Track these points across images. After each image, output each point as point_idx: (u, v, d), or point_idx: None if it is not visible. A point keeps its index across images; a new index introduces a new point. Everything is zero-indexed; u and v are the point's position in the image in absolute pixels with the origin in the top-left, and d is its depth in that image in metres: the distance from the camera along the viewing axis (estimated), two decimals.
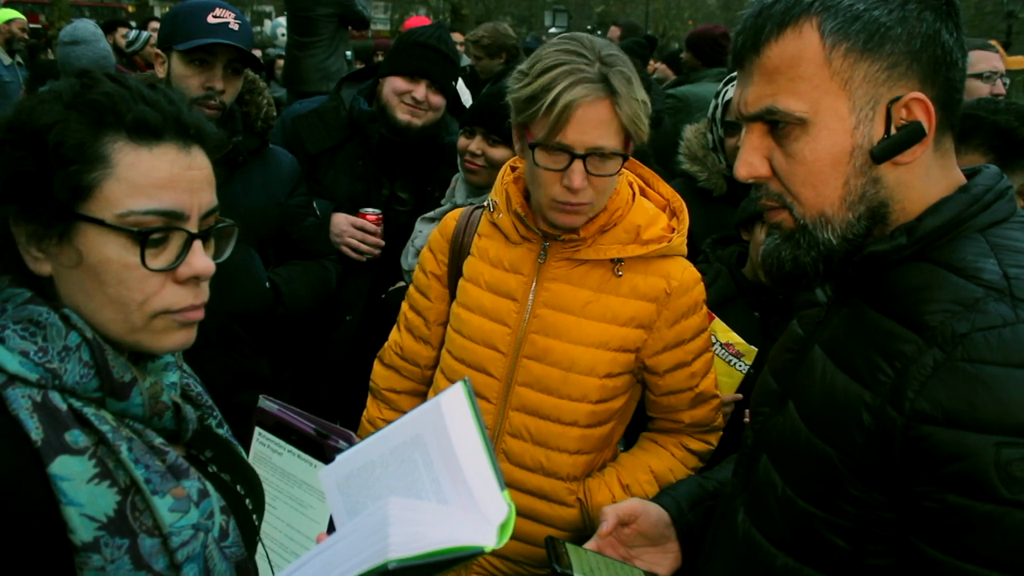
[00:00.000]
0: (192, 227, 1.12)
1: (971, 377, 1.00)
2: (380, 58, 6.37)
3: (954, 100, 1.15)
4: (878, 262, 1.15)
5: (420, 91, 2.80)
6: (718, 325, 2.26)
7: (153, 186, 1.07)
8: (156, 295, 1.10)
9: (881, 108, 1.12)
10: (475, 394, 1.10)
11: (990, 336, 1.01)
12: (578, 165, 1.75)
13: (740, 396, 2.28)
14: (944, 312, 1.05)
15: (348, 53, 6.42)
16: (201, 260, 1.12)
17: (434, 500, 1.06)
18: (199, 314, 1.16)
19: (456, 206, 2.68)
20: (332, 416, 2.85)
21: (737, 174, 1.22)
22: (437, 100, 2.86)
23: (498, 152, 2.57)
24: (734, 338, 2.26)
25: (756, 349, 2.25)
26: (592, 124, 1.73)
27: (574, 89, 1.70)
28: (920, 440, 1.02)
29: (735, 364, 2.27)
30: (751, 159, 1.20)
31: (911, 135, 1.11)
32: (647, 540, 1.61)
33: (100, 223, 1.06)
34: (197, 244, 1.12)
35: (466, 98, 5.22)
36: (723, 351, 2.27)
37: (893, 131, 1.11)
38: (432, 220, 2.76)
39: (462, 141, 2.65)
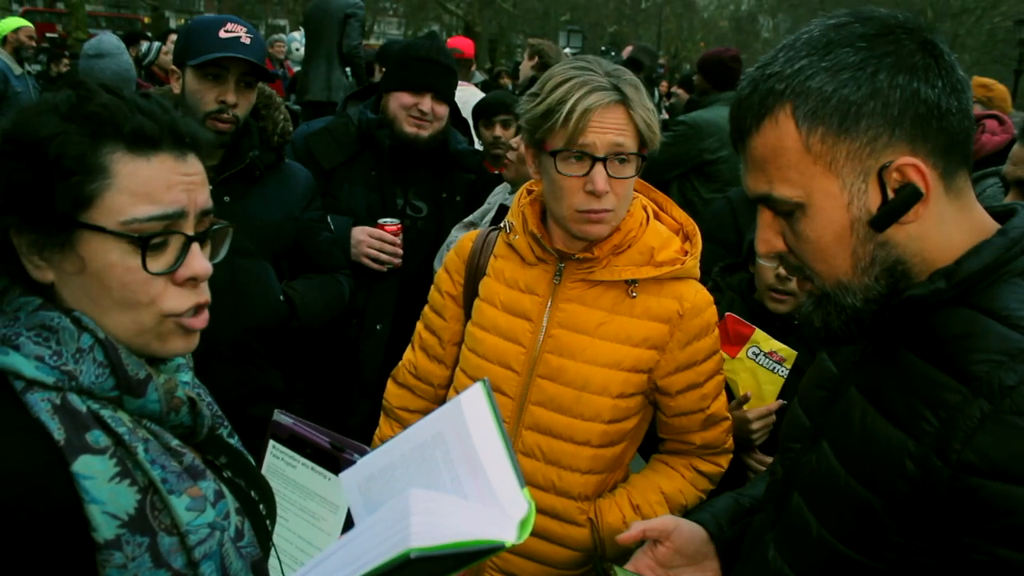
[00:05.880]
0: (189, 228, 1.15)
1: (1021, 431, 0.98)
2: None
3: (956, 142, 1.11)
4: (917, 306, 1.13)
5: (426, 103, 2.93)
6: (760, 335, 2.27)
7: (153, 193, 1.10)
8: (160, 297, 1.12)
9: (873, 178, 1.11)
10: (494, 393, 1.11)
11: None
12: (600, 168, 1.81)
13: (784, 402, 2.27)
14: (990, 363, 1.03)
15: (347, 69, 6.72)
16: (199, 262, 1.15)
17: (454, 496, 1.06)
18: (202, 321, 1.18)
19: (498, 205, 2.84)
20: (365, 424, 2.82)
21: (757, 250, 1.24)
22: (441, 110, 2.99)
23: (511, 133, 2.75)
24: (776, 345, 2.27)
25: (796, 352, 2.25)
26: (610, 127, 1.81)
27: (590, 96, 1.80)
28: (969, 492, 1.01)
29: (778, 371, 2.28)
30: (767, 236, 1.22)
31: (908, 199, 1.10)
32: (685, 559, 1.58)
33: (102, 230, 1.08)
34: (195, 246, 1.15)
35: None
36: (767, 360, 2.28)
37: (890, 194, 1.10)
38: (468, 225, 2.87)
39: (484, 135, 2.90)
